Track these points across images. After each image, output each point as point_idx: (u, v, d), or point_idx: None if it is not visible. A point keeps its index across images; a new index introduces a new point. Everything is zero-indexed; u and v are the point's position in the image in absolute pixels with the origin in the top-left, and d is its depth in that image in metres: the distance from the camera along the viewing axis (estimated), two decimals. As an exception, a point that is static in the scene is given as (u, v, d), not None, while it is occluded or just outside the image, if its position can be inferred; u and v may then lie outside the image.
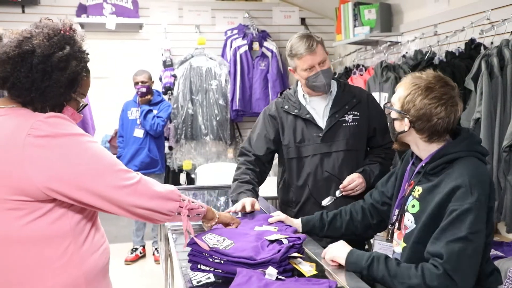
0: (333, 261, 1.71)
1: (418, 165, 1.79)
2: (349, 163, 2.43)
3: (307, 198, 2.47)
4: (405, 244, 1.72)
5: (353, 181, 2.37)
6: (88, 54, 1.50)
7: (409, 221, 1.73)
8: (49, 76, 1.38)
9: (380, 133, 2.49)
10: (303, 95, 2.48)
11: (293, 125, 2.46)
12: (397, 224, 1.81)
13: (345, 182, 2.38)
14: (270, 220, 2.03)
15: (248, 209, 2.15)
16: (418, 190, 1.73)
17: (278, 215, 2.11)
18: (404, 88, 1.74)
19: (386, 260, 1.62)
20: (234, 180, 2.46)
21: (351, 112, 2.44)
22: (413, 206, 1.73)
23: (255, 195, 2.35)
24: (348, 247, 1.71)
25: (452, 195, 1.59)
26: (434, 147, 1.73)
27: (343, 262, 1.67)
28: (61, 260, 1.38)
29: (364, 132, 2.46)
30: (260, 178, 2.51)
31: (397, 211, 1.82)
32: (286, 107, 2.49)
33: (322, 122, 2.44)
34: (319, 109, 2.46)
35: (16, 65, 1.36)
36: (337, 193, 2.41)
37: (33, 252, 1.35)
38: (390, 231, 1.83)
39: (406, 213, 1.75)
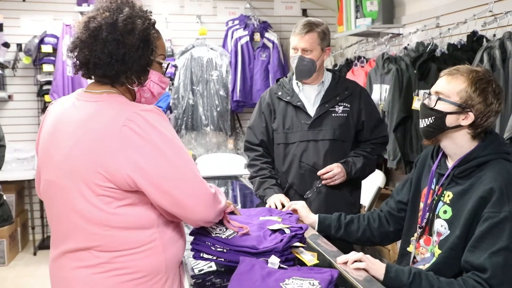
0: (356, 269, 1.62)
1: (442, 167, 1.75)
2: (335, 153, 2.46)
3: (289, 185, 2.52)
4: (440, 251, 1.67)
5: (331, 169, 2.41)
6: (151, 12, 1.52)
7: (442, 227, 1.68)
8: (122, 42, 1.40)
9: (368, 127, 2.52)
10: (297, 83, 2.54)
11: (284, 111, 2.51)
12: (424, 229, 1.75)
13: (323, 170, 2.42)
14: (286, 208, 2.14)
15: (279, 207, 2.24)
16: (448, 195, 1.68)
17: (296, 203, 2.17)
18: (467, 82, 1.63)
19: (427, 275, 1.56)
20: (253, 177, 2.55)
21: (342, 104, 2.48)
22: (444, 212, 1.68)
23: (281, 189, 2.46)
24: (380, 262, 1.63)
25: (487, 200, 1.54)
26: (474, 144, 1.67)
27: (378, 275, 1.59)
28: (148, 245, 1.43)
29: (352, 124, 2.49)
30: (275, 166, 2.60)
31: (427, 214, 1.74)
32: (280, 93, 2.55)
33: (312, 110, 2.49)
34: (310, 98, 2.51)
35: (92, 46, 1.40)
36: (317, 183, 2.45)
37: (121, 236, 1.40)
38: (418, 233, 1.77)
39: (438, 219, 1.69)
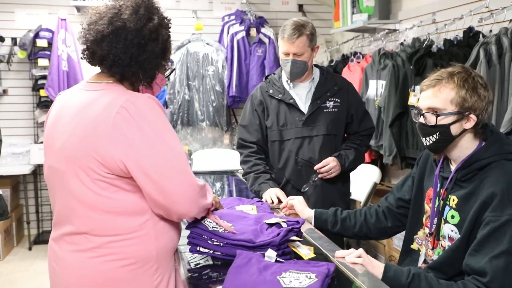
0: (353, 263, 1.62)
1: (445, 170, 1.74)
2: (328, 147, 2.54)
3: (286, 181, 2.57)
4: None
5: (328, 163, 2.47)
6: (170, 20, 1.55)
7: (453, 232, 1.67)
8: (144, 49, 1.45)
9: (357, 120, 2.60)
10: (287, 81, 2.57)
11: (276, 109, 2.56)
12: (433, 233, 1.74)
13: (319, 164, 2.48)
14: (283, 204, 2.20)
15: (276, 201, 2.29)
16: (453, 199, 1.68)
17: (293, 198, 2.19)
18: (456, 88, 1.62)
19: (426, 277, 1.56)
20: (247, 173, 2.58)
21: (332, 99, 2.55)
22: (452, 216, 1.67)
23: (276, 184, 2.50)
24: (378, 261, 1.64)
25: (489, 203, 1.54)
26: (476, 142, 1.67)
27: (376, 274, 1.58)
28: (139, 232, 1.46)
29: (343, 118, 2.57)
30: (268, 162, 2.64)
31: (435, 219, 1.73)
32: (271, 91, 2.59)
33: (304, 107, 2.54)
34: (302, 95, 2.57)
35: (112, 42, 1.43)
36: (314, 177, 2.50)
37: (115, 221, 1.44)
38: (429, 239, 1.76)
39: (447, 224, 1.69)
